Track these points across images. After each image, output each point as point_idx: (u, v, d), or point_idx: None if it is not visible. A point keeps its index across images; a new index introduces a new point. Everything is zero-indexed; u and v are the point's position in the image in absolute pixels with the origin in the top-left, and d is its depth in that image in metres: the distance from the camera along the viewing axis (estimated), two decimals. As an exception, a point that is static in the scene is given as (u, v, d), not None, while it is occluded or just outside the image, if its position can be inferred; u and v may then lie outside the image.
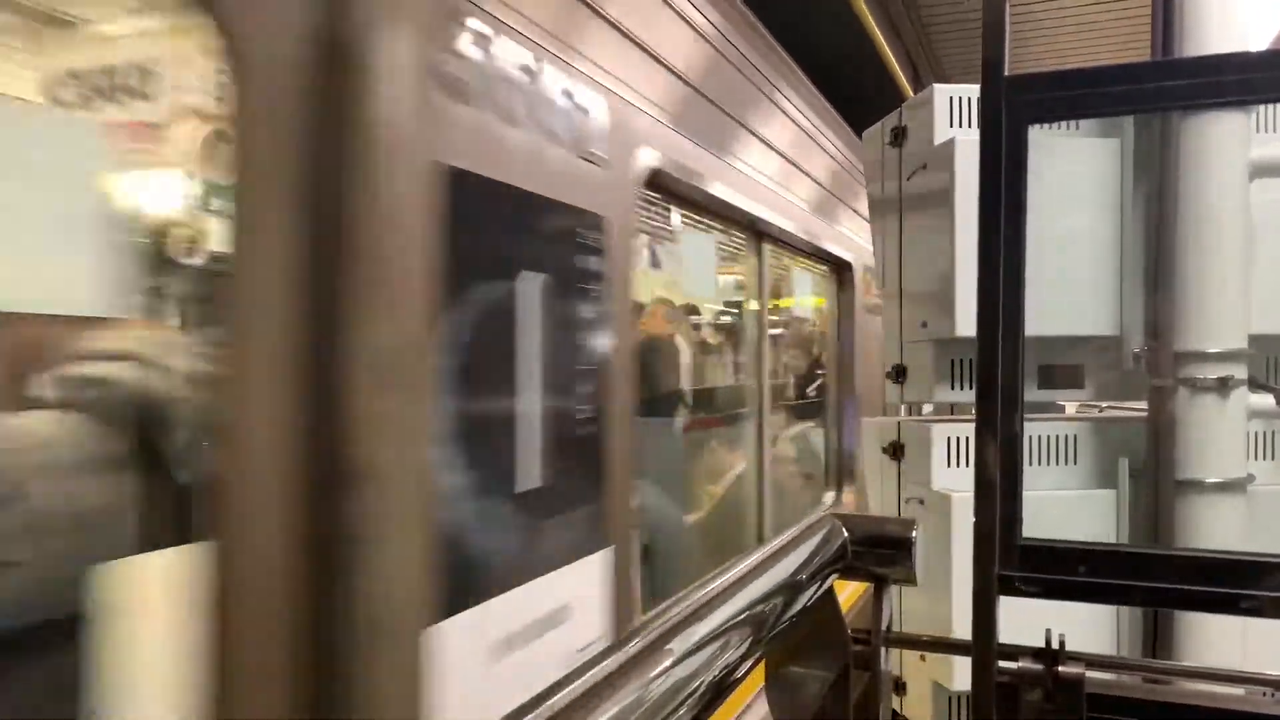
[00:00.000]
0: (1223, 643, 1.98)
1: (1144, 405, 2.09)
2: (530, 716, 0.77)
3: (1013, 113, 1.42)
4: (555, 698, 0.81)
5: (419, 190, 1.13)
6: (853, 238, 4.18)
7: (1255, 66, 1.42)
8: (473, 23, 1.37)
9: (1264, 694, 1.53)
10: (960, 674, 2.15)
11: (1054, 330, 2.10)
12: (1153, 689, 1.62)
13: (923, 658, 2.37)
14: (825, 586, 1.53)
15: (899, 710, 2.51)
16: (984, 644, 1.51)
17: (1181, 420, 1.98)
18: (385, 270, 1.04)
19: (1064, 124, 2.21)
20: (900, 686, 2.49)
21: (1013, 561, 1.51)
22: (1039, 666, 1.53)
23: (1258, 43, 1.41)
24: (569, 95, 1.67)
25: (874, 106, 2.86)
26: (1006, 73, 1.45)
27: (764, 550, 1.39)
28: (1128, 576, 1.51)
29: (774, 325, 3.57)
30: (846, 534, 1.63)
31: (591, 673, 0.87)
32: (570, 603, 1.64)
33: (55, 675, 1.14)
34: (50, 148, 1.29)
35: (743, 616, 1.16)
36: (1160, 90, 1.42)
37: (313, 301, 1.00)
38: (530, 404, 1.52)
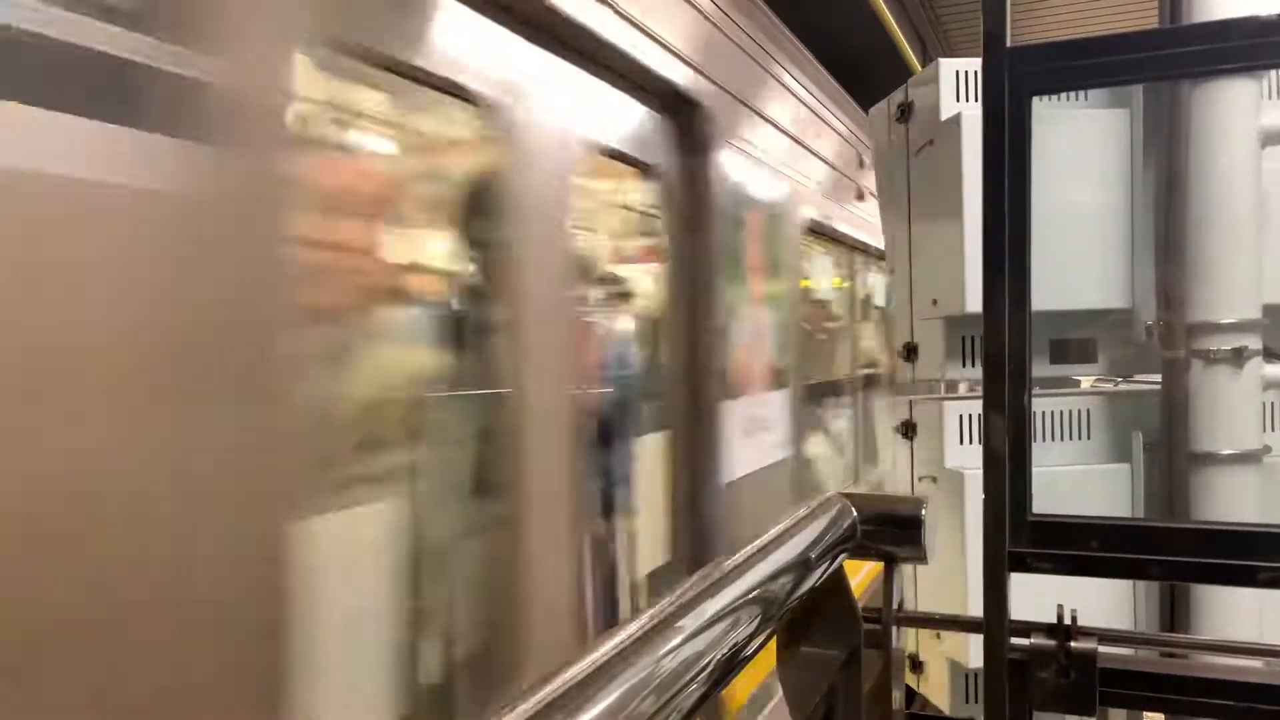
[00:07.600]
0: (1240, 616, 1.96)
1: (1158, 378, 2.07)
2: (543, 691, 0.77)
3: (1015, 84, 1.40)
4: (567, 673, 0.80)
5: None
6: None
7: (1266, 31, 1.39)
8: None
9: None
10: (976, 652, 2.14)
11: (1066, 305, 2.09)
12: (1167, 662, 1.61)
13: (938, 636, 2.36)
14: (835, 565, 1.53)
15: (916, 688, 2.51)
16: (995, 621, 1.50)
17: (1195, 392, 1.96)
18: None
19: (1072, 95, 2.19)
20: (918, 665, 2.49)
21: (1023, 538, 1.49)
22: (1051, 642, 1.52)
23: (1269, 6, 1.38)
24: None
25: (882, 83, 2.85)
26: (1009, 44, 1.44)
27: (773, 530, 1.39)
28: (1140, 550, 1.50)
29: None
30: (856, 513, 1.62)
31: (603, 649, 0.87)
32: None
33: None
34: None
35: (752, 595, 1.16)
36: (1166, 58, 1.40)
37: None
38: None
